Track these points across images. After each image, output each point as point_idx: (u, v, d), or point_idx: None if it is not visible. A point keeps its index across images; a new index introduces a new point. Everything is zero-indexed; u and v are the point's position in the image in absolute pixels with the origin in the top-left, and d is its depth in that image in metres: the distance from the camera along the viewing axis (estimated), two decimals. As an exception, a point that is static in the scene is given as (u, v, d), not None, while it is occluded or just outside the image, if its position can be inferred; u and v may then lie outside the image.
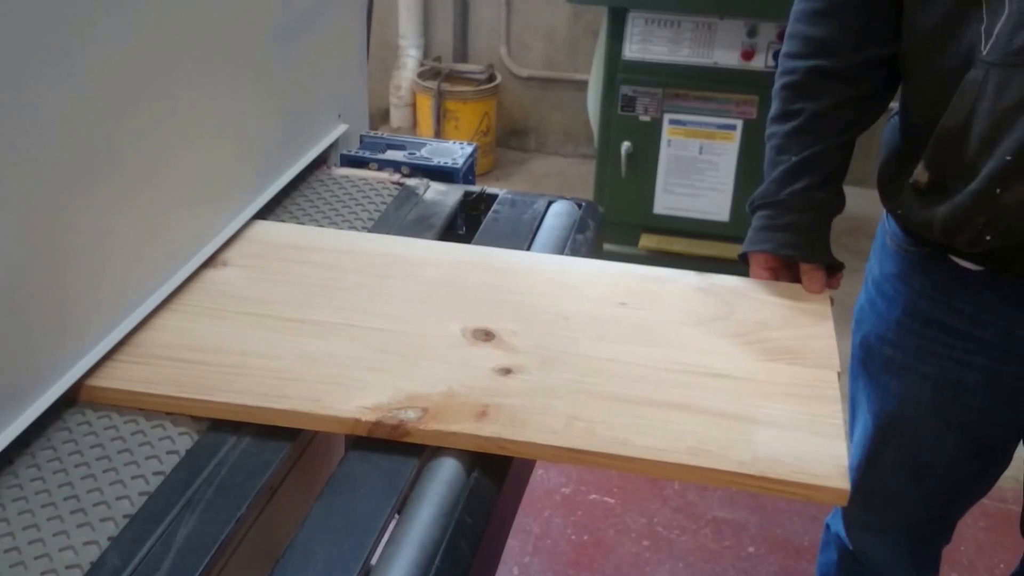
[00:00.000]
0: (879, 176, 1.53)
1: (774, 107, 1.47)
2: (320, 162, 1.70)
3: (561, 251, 1.50)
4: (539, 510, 2.66)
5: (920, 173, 1.38)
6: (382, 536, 0.98)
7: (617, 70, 3.36)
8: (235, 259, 1.38)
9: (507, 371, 1.18)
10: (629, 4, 3.27)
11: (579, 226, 1.59)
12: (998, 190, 1.29)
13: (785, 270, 1.46)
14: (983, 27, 1.26)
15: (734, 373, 1.21)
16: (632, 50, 3.32)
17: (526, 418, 1.10)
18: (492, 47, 4.75)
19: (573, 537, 2.59)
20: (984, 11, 1.26)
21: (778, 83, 1.47)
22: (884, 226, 1.58)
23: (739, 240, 3.70)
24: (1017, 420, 1.52)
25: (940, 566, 1.85)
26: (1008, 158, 1.27)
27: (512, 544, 2.53)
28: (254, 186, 1.48)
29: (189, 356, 1.17)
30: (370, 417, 1.08)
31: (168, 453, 1.05)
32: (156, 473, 1.02)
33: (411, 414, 1.09)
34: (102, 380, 1.12)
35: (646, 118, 3.38)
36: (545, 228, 1.57)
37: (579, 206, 1.65)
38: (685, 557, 2.54)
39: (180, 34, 1.22)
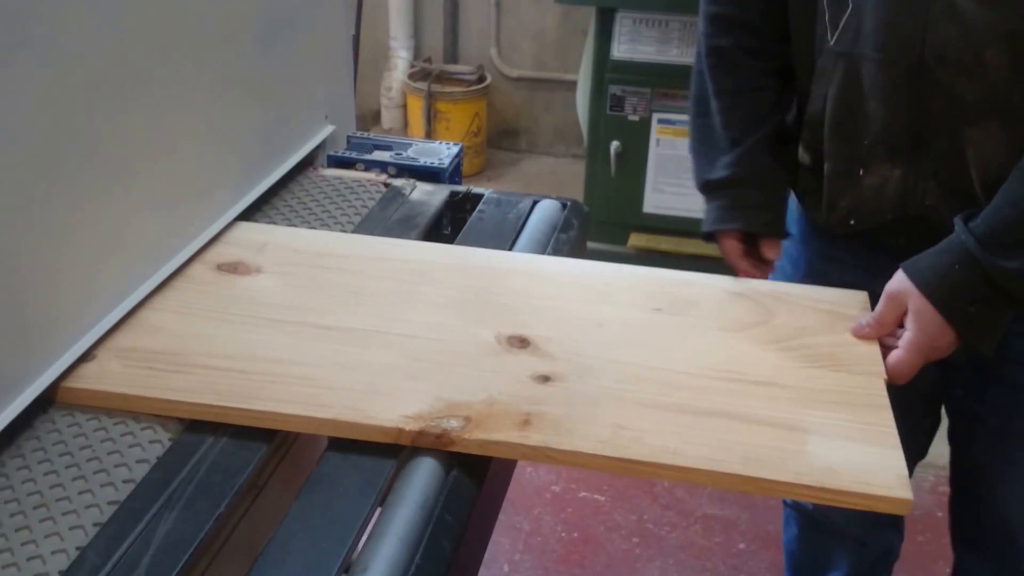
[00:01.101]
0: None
1: (711, 85, 1.52)
2: (307, 163, 1.71)
3: (544, 250, 1.51)
4: (529, 508, 2.66)
5: (802, 154, 1.47)
6: (362, 534, 0.98)
7: (605, 70, 3.36)
8: (267, 266, 1.37)
9: (546, 378, 1.17)
10: (617, 4, 3.27)
11: (563, 225, 1.60)
12: (860, 172, 1.38)
13: (750, 246, 1.52)
14: (827, 18, 1.34)
15: (779, 380, 1.20)
16: (620, 50, 3.32)
17: (571, 427, 1.09)
18: (482, 48, 4.75)
19: (563, 534, 2.60)
20: (825, 2, 1.33)
21: (706, 63, 1.51)
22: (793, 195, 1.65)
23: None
24: (925, 368, 1.53)
25: (904, 532, 1.92)
26: (865, 142, 1.36)
27: (502, 541, 2.54)
28: (239, 186, 1.49)
29: (226, 364, 1.16)
30: (413, 427, 1.08)
31: (142, 453, 1.05)
32: (131, 472, 1.02)
33: (454, 423, 1.08)
34: (131, 388, 1.11)
35: (635, 118, 3.38)
36: (529, 227, 1.57)
37: (564, 205, 1.65)
38: (675, 554, 2.55)
39: (165, 33, 1.23)
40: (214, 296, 1.30)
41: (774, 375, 1.21)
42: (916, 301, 1.26)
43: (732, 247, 1.52)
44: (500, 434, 1.08)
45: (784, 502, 1.96)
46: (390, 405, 1.11)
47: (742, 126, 1.49)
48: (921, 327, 1.25)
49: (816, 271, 1.55)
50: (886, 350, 1.27)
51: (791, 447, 1.08)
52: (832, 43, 1.34)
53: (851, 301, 1.37)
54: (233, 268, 1.36)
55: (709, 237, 1.56)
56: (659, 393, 1.16)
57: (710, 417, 1.12)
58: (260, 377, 1.14)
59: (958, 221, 1.27)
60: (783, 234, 1.52)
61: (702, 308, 1.34)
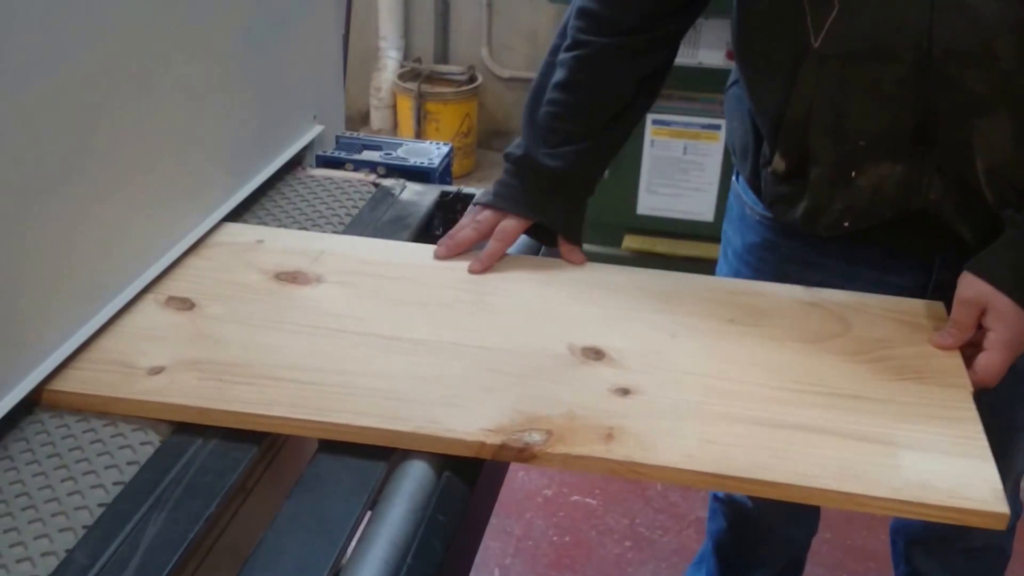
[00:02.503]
0: (735, 153, 1.58)
1: (560, 73, 1.46)
2: (295, 163, 1.70)
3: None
4: (521, 512, 2.65)
5: (777, 162, 1.42)
6: (353, 535, 0.97)
7: (597, 71, 3.34)
8: (327, 275, 1.36)
9: (625, 391, 1.16)
10: (610, 4, 3.25)
11: (555, 225, 1.58)
12: (853, 174, 1.35)
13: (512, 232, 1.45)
14: (808, 19, 1.30)
15: (865, 393, 1.18)
16: (612, 50, 3.31)
17: (655, 441, 1.07)
18: (473, 48, 4.74)
19: (555, 538, 2.59)
20: (806, 3, 1.29)
21: (569, 53, 1.45)
22: (740, 197, 1.61)
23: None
24: None
25: (817, 524, 1.99)
26: (861, 143, 1.33)
27: (494, 546, 2.53)
28: (226, 187, 1.48)
29: (298, 376, 1.14)
30: (494, 440, 1.06)
31: (132, 455, 1.04)
32: (121, 473, 1.02)
33: (535, 437, 1.06)
34: (205, 401, 1.10)
35: (627, 118, 3.36)
36: (520, 228, 1.55)
37: (556, 205, 1.64)
38: (668, 558, 2.54)
39: (152, 33, 1.22)
40: (277, 306, 1.28)
41: (859, 388, 1.19)
42: (996, 300, 1.25)
43: (513, 230, 1.44)
44: (584, 448, 1.06)
45: (714, 495, 1.98)
46: (469, 418, 1.09)
47: (587, 124, 1.45)
48: (1007, 324, 1.24)
49: (785, 276, 1.52)
50: (967, 359, 1.26)
51: (883, 461, 1.06)
52: (817, 45, 1.30)
53: (928, 311, 1.34)
54: (292, 278, 1.35)
55: (479, 204, 1.48)
56: (743, 406, 1.14)
57: (798, 431, 1.10)
58: (334, 389, 1.12)
59: (1012, 213, 1.28)
60: (580, 243, 1.48)
61: (775, 319, 1.32)
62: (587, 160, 1.46)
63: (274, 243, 1.43)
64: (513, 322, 1.29)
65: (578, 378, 1.18)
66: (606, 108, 1.46)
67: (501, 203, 1.45)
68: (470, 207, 1.50)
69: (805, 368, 1.22)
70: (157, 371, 1.14)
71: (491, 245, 1.42)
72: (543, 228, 1.46)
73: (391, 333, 1.24)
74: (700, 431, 1.09)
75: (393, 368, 1.17)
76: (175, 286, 1.31)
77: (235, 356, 1.18)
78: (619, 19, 1.42)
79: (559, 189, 1.46)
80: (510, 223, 1.44)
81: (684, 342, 1.26)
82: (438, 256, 1.42)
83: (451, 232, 1.45)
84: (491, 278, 1.39)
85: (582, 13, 1.45)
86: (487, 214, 1.45)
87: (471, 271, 1.39)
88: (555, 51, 1.48)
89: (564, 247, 1.46)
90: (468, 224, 1.45)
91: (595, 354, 1.22)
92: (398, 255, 1.43)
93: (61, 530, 0.94)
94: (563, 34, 1.47)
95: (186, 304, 1.27)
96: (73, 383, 1.11)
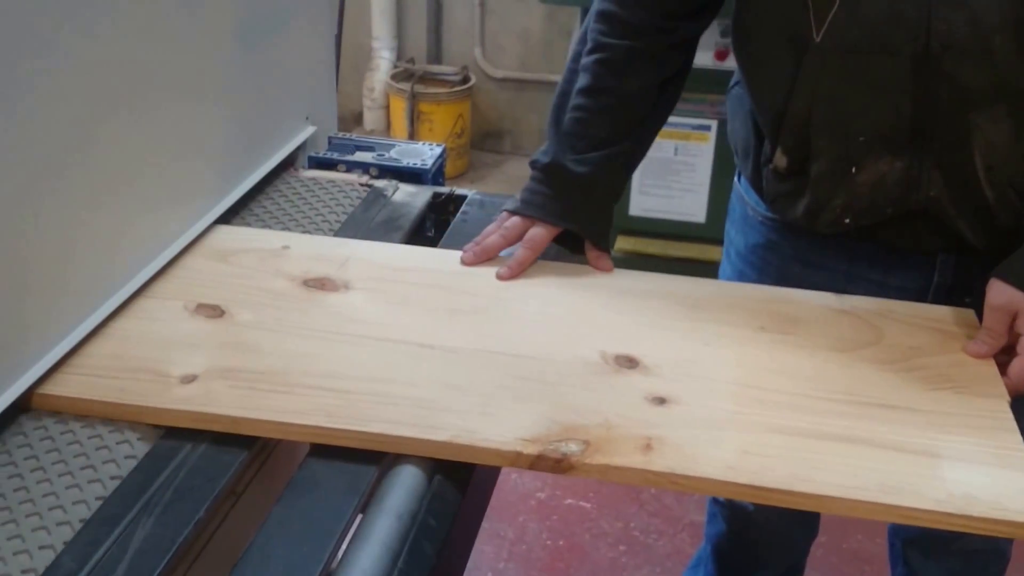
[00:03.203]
0: (737, 153, 1.58)
1: (583, 79, 1.45)
2: (287, 164, 1.68)
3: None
4: (514, 515, 2.64)
5: (779, 159, 1.42)
6: (343, 539, 0.97)
7: (591, 72, 3.33)
8: (354, 281, 1.35)
9: (661, 400, 1.15)
10: (602, 5, 3.25)
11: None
12: (853, 170, 1.35)
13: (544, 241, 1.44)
14: (810, 14, 1.30)
15: (901, 403, 1.16)
16: (605, 51, 3.30)
17: (695, 452, 1.06)
18: (466, 48, 4.73)
19: (548, 542, 2.58)
20: None
21: (591, 57, 1.45)
22: (742, 197, 1.61)
23: (716, 241, 3.66)
24: None
25: (818, 528, 1.98)
26: (861, 139, 1.33)
27: (486, 550, 2.52)
28: (217, 190, 1.47)
29: (331, 384, 1.13)
30: (531, 450, 1.05)
31: (121, 458, 1.03)
32: (113, 477, 1.01)
33: (573, 447, 1.05)
34: (238, 410, 1.08)
35: (620, 119, 3.35)
36: (514, 229, 1.55)
37: (549, 206, 1.63)
38: (662, 562, 2.53)
39: (145, 34, 1.21)
40: (306, 313, 1.27)
41: (896, 397, 1.18)
42: None
43: (542, 238, 1.42)
44: (623, 459, 1.05)
45: (712, 500, 1.99)
46: (504, 427, 1.08)
47: (612, 130, 1.44)
48: None
49: (787, 276, 1.52)
50: (1000, 366, 1.25)
51: (925, 473, 1.05)
52: (818, 39, 1.30)
53: (960, 319, 1.33)
54: (320, 284, 1.34)
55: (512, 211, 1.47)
56: (780, 416, 1.13)
57: (836, 442, 1.09)
58: (367, 398, 1.11)
59: None
60: (608, 250, 1.47)
61: (807, 326, 1.31)
62: (615, 165, 1.46)
63: (299, 249, 1.42)
64: (543, 329, 1.27)
65: (613, 386, 1.17)
66: (631, 112, 1.45)
67: (530, 210, 1.45)
68: (465, 206, 1.48)
69: (840, 377, 1.21)
70: (190, 379, 1.12)
71: (520, 253, 1.41)
72: (570, 234, 1.46)
73: (421, 340, 1.23)
74: (738, 442, 1.08)
75: (425, 376, 1.16)
76: (204, 293, 1.30)
77: (267, 364, 1.16)
78: (637, 21, 1.42)
79: (587, 195, 1.45)
80: (539, 231, 1.43)
81: (717, 350, 1.25)
82: (465, 262, 1.42)
83: (477, 239, 1.44)
84: (518, 285, 1.38)
85: (601, 16, 1.45)
86: (515, 221, 1.44)
87: (499, 278, 1.39)
88: (577, 58, 1.48)
89: (592, 253, 1.45)
90: (495, 231, 1.45)
91: (628, 362, 1.21)
92: (424, 261, 1.42)
93: (53, 533, 0.93)
94: (583, 40, 1.47)
95: (216, 311, 1.26)
96: (106, 392, 1.10)
